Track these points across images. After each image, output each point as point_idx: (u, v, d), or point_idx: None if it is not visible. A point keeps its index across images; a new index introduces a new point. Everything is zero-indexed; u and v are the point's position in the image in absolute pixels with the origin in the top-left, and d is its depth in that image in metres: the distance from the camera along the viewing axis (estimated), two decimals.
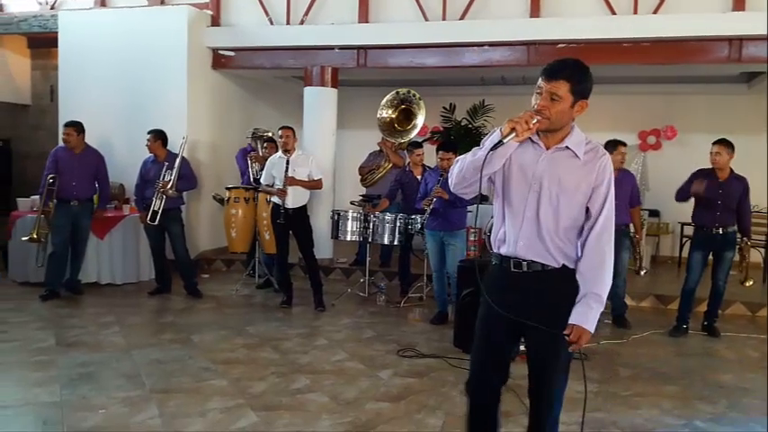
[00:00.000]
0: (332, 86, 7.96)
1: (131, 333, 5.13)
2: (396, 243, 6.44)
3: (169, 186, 6.22)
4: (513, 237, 2.36)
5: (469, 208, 5.86)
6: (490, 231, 6.30)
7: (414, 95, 5.16)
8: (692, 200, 5.50)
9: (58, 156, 6.29)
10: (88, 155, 6.41)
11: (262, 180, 6.27)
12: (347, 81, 8.54)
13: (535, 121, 2.19)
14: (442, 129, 9.88)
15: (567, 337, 2.24)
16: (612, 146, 5.49)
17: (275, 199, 6.01)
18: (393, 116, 5.33)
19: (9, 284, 6.72)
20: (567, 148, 2.29)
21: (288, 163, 5.92)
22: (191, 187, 6.68)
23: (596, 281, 2.26)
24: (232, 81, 8.76)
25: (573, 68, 2.24)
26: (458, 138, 9.68)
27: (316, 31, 7.82)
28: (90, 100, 8.09)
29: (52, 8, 8.87)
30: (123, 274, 6.92)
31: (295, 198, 6.01)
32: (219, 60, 8.33)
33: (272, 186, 6.03)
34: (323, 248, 7.81)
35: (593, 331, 2.25)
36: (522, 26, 7.12)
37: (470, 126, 9.64)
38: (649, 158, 9.33)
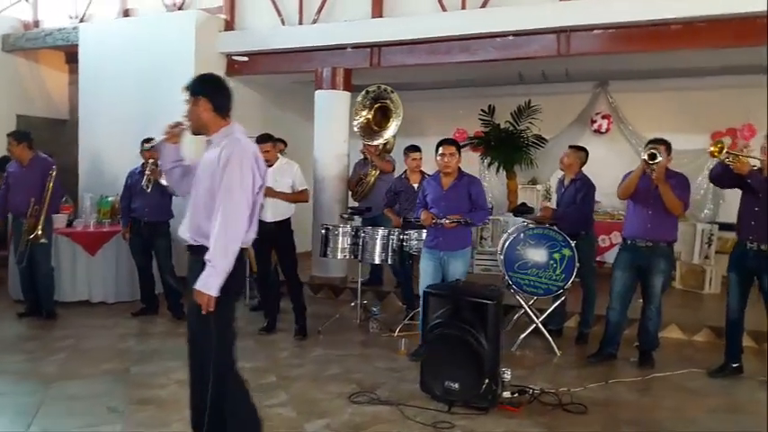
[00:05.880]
0: (344, 89, 7.28)
1: (75, 361, 4.64)
2: (389, 262, 5.63)
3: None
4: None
5: None
6: (503, 251, 5.26)
7: (386, 90, 4.44)
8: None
9: (9, 170, 6.01)
10: (35, 167, 5.90)
11: None
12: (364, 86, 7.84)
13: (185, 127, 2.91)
14: (483, 134, 8.96)
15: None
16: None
17: None
18: (369, 117, 4.65)
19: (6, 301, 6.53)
20: (210, 142, 2.87)
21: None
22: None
23: (211, 248, 2.62)
24: (249, 87, 8.28)
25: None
26: (498, 142, 8.74)
27: (325, 29, 7.21)
28: (107, 110, 7.93)
29: (81, 21, 8.85)
30: (116, 292, 6.54)
31: (275, 211, 5.38)
32: (233, 66, 7.89)
33: None
34: (335, 266, 7.14)
35: (209, 292, 2.60)
36: (550, 11, 6.15)
37: (513, 129, 8.65)
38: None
